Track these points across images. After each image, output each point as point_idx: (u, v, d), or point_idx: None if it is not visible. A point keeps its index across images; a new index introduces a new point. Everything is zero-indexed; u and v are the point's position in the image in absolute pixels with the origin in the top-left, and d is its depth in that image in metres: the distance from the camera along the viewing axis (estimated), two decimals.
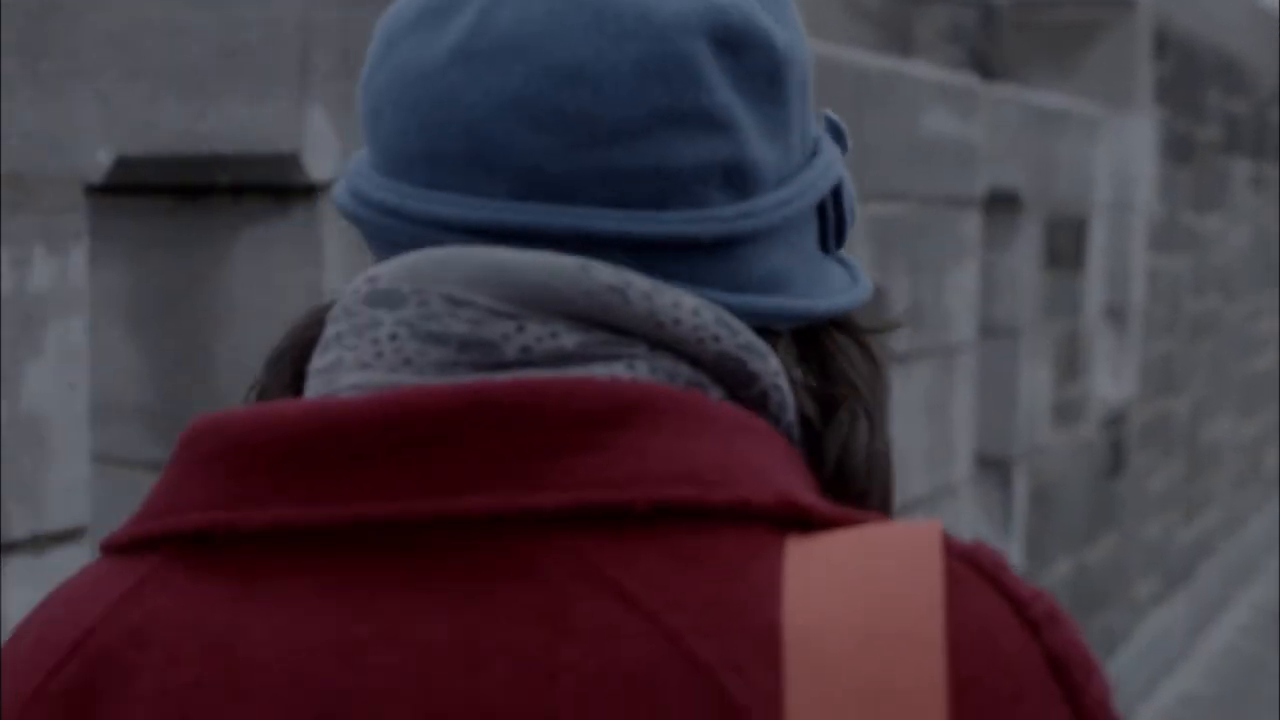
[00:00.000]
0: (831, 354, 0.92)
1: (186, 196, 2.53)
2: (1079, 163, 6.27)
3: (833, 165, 0.94)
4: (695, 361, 0.86)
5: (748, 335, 0.87)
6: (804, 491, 0.84)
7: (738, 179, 0.87)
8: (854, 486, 0.89)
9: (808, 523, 0.82)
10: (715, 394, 0.87)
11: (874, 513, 0.87)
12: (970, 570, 0.82)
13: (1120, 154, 6.80)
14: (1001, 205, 5.43)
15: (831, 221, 0.95)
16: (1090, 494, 6.67)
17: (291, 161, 2.46)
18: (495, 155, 0.85)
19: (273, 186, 2.49)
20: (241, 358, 2.50)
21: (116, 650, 0.83)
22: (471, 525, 0.80)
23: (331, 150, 2.45)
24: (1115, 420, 6.98)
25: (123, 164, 2.17)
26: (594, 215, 0.85)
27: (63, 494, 2.06)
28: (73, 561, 2.07)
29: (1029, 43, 7.14)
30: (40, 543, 2.07)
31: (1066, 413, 6.27)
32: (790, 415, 0.89)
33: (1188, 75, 8.01)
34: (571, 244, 0.85)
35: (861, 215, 3.84)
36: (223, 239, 2.52)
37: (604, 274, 0.84)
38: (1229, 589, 9.24)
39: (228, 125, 2.42)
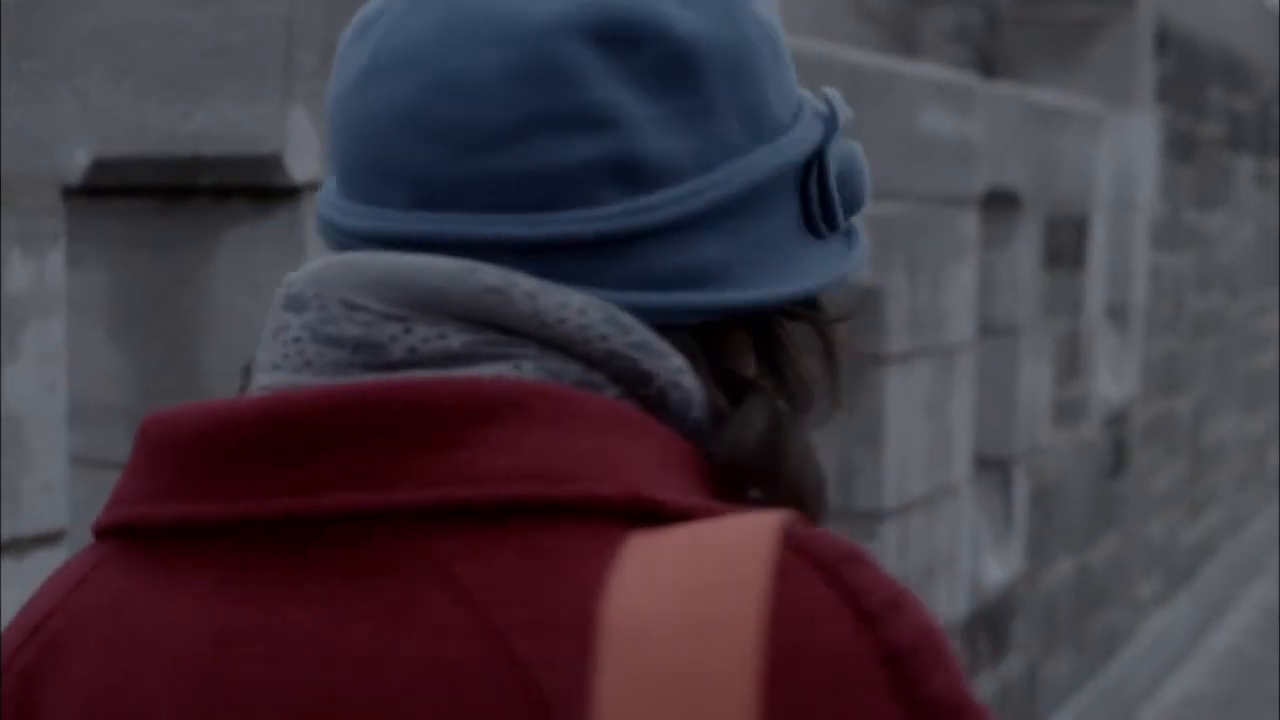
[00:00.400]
0: (779, 344, 0.92)
1: (170, 198, 2.51)
2: (1080, 161, 6.25)
3: (797, 144, 0.93)
4: (588, 361, 0.87)
5: (642, 333, 0.87)
6: (666, 486, 0.84)
7: (628, 175, 0.87)
8: (752, 479, 0.88)
9: (660, 516, 0.83)
10: (611, 393, 0.87)
11: (750, 505, 0.86)
12: (803, 561, 0.81)
13: (1122, 152, 6.78)
14: (1001, 204, 5.41)
15: (815, 200, 0.94)
16: (1092, 494, 6.64)
17: (274, 163, 2.44)
18: (394, 168, 0.88)
19: (256, 188, 2.47)
20: (225, 359, 2.48)
21: (61, 634, 0.90)
22: (343, 522, 0.83)
23: (313, 151, 2.44)
24: (1117, 419, 6.96)
25: (101, 165, 2.15)
26: (480, 221, 0.87)
27: (41, 496, 2.05)
28: (52, 564, 2.05)
29: (1030, 40, 7.12)
30: (20, 545, 2.05)
31: (1068, 412, 6.25)
32: (696, 412, 0.89)
33: (1190, 73, 7.99)
34: (464, 250, 0.87)
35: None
36: (206, 240, 2.50)
37: (489, 276, 0.86)
38: (1232, 588, 9.22)
39: (212, 126, 2.40)
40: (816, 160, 0.95)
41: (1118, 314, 6.90)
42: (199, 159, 2.43)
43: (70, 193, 2.15)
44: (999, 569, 5.50)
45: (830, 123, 0.97)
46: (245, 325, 2.40)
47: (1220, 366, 9.05)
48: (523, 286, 0.86)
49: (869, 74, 4.39)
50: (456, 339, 0.86)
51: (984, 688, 5.42)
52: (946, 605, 5.00)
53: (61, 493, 2.07)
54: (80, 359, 2.45)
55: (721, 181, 0.90)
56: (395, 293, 0.86)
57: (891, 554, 4.55)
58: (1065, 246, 6.14)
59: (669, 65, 0.89)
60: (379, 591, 0.83)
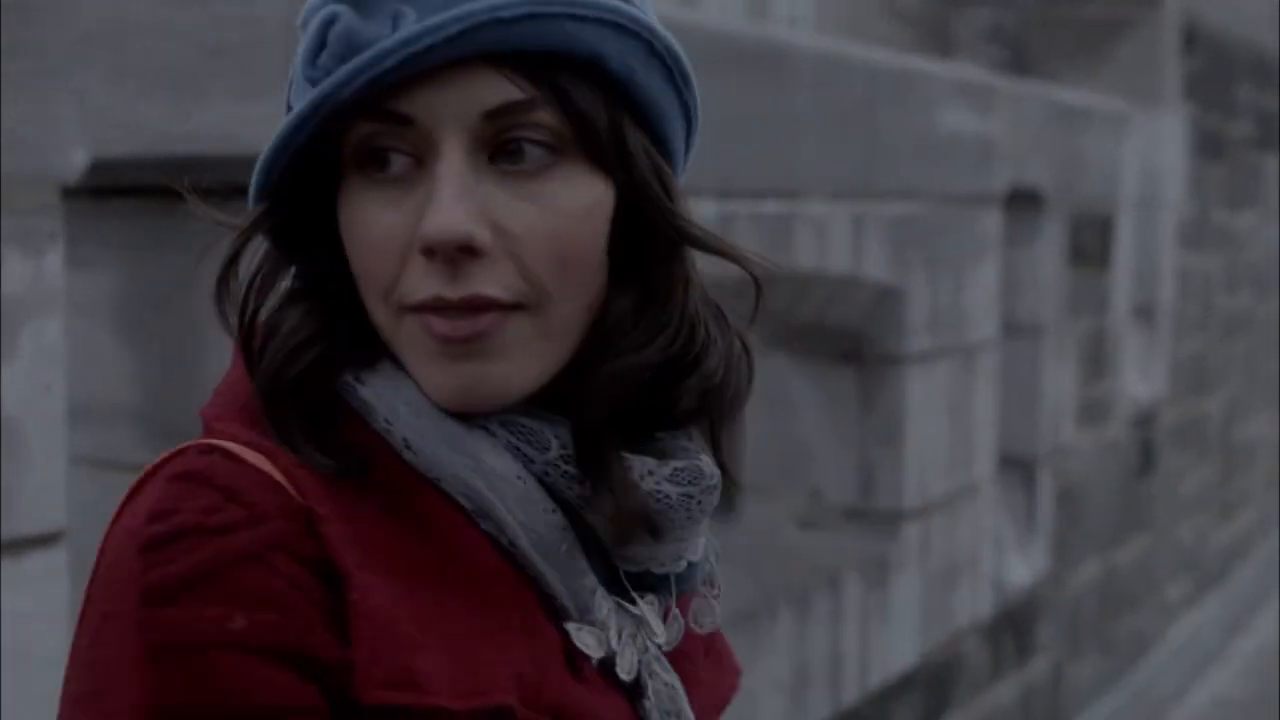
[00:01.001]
0: None
1: (171, 197, 2.50)
2: (1105, 160, 6.21)
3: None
4: None
5: None
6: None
7: None
8: None
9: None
10: None
11: None
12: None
13: (1148, 150, 6.74)
14: (1023, 202, 5.38)
15: None
16: (1119, 495, 6.61)
17: None
18: None
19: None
20: (229, 359, 2.47)
21: None
22: None
23: None
24: (1145, 420, 6.92)
25: (101, 166, 2.15)
26: None
27: (39, 497, 2.04)
28: (50, 566, 2.05)
29: (1057, 39, 7.09)
30: (19, 546, 2.05)
31: (1093, 412, 6.21)
32: None
33: (1218, 71, 7.94)
34: None
35: (876, 213, 3.81)
36: (208, 240, 2.50)
37: None
38: (1262, 591, 9.15)
39: (210, 126, 2.40)
40: None
41: (1145, 314, 6.86)
42: (199, 159, 2.42)
43: (72, 193, 2.14)
44: (1023, 570, 5.47)
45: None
46: None
47: (1250, 367, 8.99)
48: None
49: (887, 73, 4.37)
50: None
51: (1008, 690, 5.39)
52: (970, 605, 4.97)
53: (60, 493, 2.06)
54: (85, 360, 2.45)
55: None
56: None
57: (913, 554, 4.53)
58: (1091, 246, 6.10)
59: None
60: None
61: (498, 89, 1.06)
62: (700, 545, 1.18)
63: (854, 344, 4.42)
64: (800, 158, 3.85)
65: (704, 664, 1.22)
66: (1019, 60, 7.48)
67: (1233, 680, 7.85)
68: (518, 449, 1.10)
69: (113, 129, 2.20)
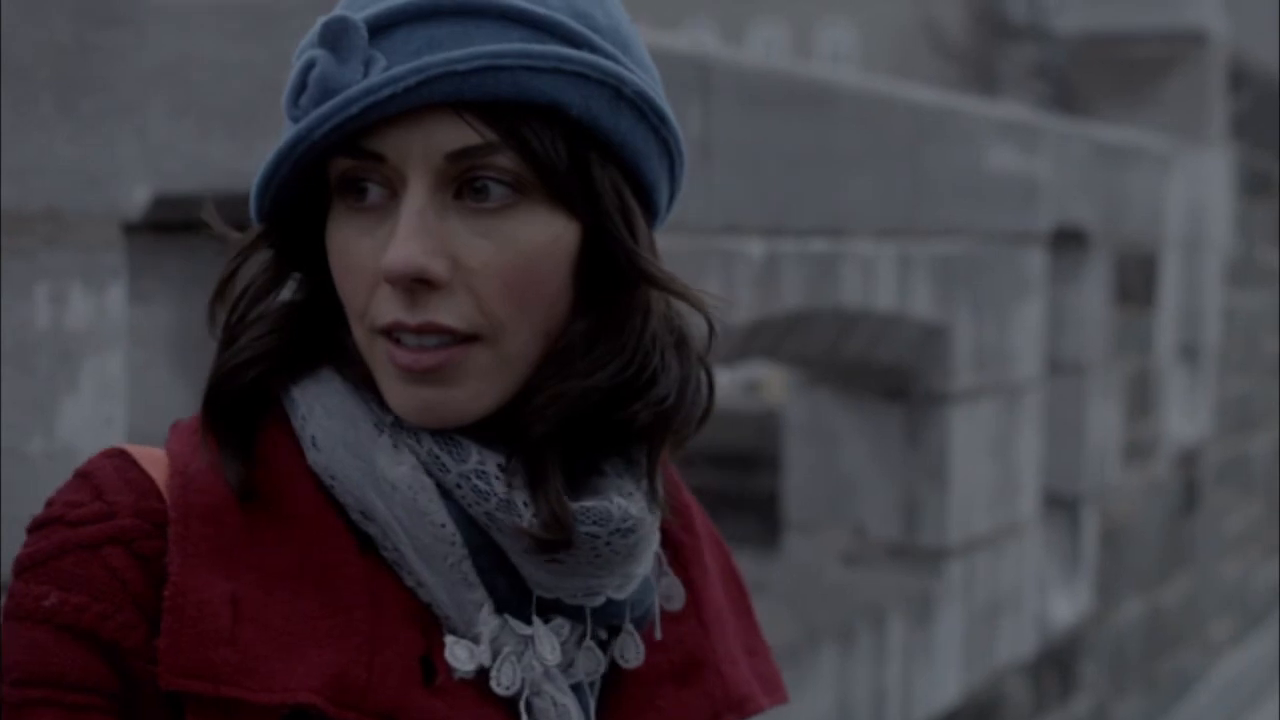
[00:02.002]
0: None
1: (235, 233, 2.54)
2: (1150, 198, 6.22)
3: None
4: None
5: None
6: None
7: None
8: None
9: None
10: None
11: None
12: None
13: (1194, 189, 6.74)
14: (1069, 241, 5.39)
15: None
16: (1163, 534, 6.59)
17: None
18: None
19: None
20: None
21: None
22: None
23: None
24: (1188, 459, 6.90)
25: (163, 201, 2.19)
26: None
27: None
28: None
29: (1102, 78, 7.10)
30: None
31: (1137, 451, 6.21)
32: None
33: (1265, 110, 7.93)
34: None
35: (922, 252, 3.83)
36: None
37: None
38: None
39: None
40: None
41: (1190, 353, 6.86)
42: None
43: (132, 229, 2.18)
44: (1067, 608, 5.46)
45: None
46: None
47: None
48: None
49: (932, 112, 4.40)
50: None
51: None
52: (1013, 643, 4.97)
53: None
54: (143, 393, 2.49)
55: None
56: None
57: (957, 591, 4.53)
58: (1135, 284, 6.11)
59: None
60: None
61: (459, 133, 1.14)
62: (631, 585, 1.22)
63: (899, 382, 4.44)
64: (846, 196, 3.88)
65: (669, 692, 1.26)
66: (1063, 97, 7.49)
67: None
68: (437, 457, 1.18)
69: (175, 165, 2.24)
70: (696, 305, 1.22)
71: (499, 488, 1.17)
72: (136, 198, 2.11)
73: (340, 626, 1.15)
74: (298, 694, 1.13)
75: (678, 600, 1.29)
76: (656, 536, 1.24)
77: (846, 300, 3.88)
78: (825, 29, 38.22)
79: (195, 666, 1.13)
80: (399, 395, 1.17)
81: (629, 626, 1.24)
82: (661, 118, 1.20)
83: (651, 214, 1.22)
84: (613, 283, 1.19)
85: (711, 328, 1.25)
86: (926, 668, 4.37)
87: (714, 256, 3.24)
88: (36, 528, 1.18)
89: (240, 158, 2.52)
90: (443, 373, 1.15)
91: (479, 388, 1.17)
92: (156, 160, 2.18)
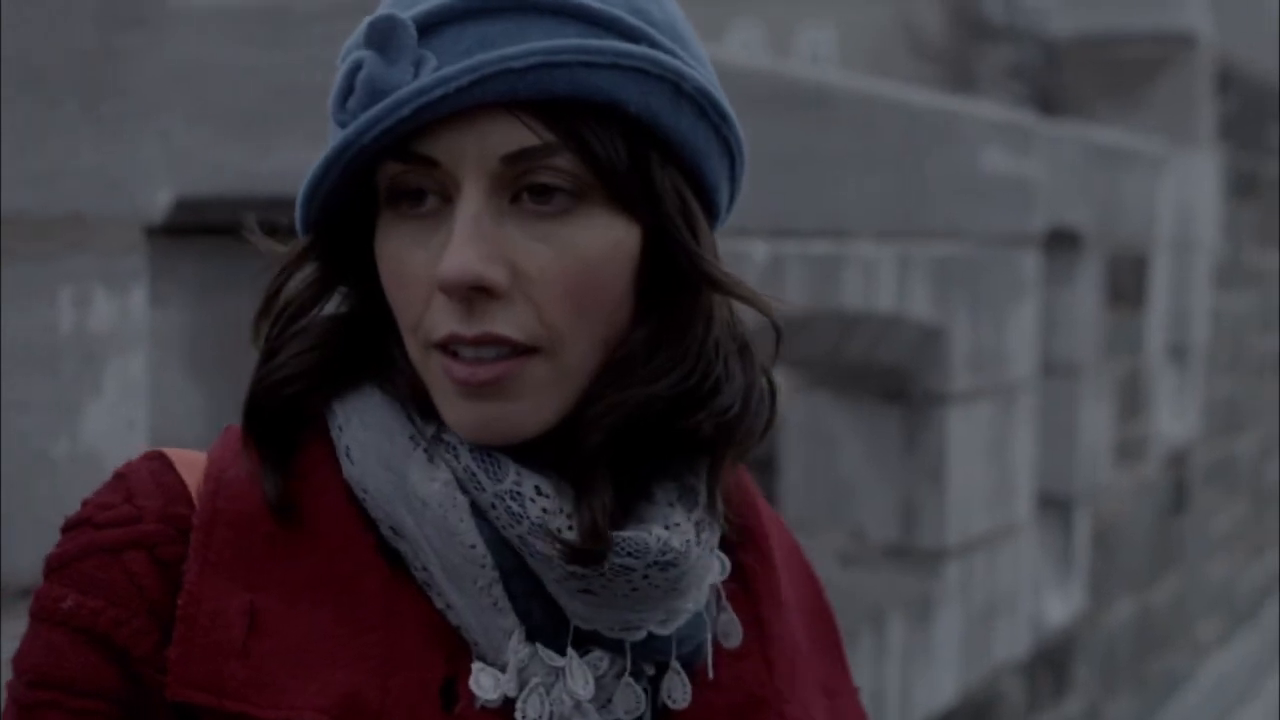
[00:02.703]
0: None
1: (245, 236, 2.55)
2: (1141, 200, 6.24)
3: None
4: None
5: None
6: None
7: None
8: None
9: None
10: None
11: None
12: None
13: (1183, 191, 6.77)
14: (1062, 242, 5.41)
15: None
16: (1153, 534, 6.62)
17: None
18: None
19: None
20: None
21: None
22: None
23: None
24: (1178, 460, 6.93)
25: (181, 205, 2.19)
26: None
27: None
28: None
29: (1091, 80, 7.13)
30: None
31: (1128, 452, 6.23)
32: None
33: (1251, 111, 7.97)
34: None
35: (920, 253, 3.85)
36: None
37: None
38: None
39: (289, 166, 2.44)
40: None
41: (1179, 354, 6.88)
42: (276, 199, 2.46)
43: (149, 232, 2.18)
44: (1060, 608, 5.48)
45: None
46: None
47: None
48: None
49: (928, 114, 4.41)
50: None
51: None
52: (1008, 643, 4.99)
53: None
54: (158, 396, 2.49)
55: None
56: None
57: (954, 592, 4.54)
58: (1127, 286, 6.13)
59: None
60: None
61: (515, 134, 1.09)
62: (677, 620, 1.16)
63: (898, 383, 4.45)
64: (846, 198, 3.89)
65: None
66: (1041, 97, 7.51)
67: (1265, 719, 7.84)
68: (473, 475, 1.12)
69: (194, 169, 2.25)
70: (764, 310, 1.17)
71: (533, 510, 1.11)
72: (159, 201, 2.11)
73: (359, 646, 1.12)
74: (304, 713, 1.10)
75: (735, 637, 1.21)
76: (712, 568, 1.18)
77: (848, 302, 3.89)
78: (804, 30, 38.24)
79: (203, 678, 1.10)
80: (456, 411, 1.12)
81: (675, 664, 1.16)
82: (723, 115, 1.15)
83: (712, 216, 1.17)
84: (674, 288, 1.13)
85: (779, 334, 1.20)
86: (925, 668, 4.38)
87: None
88: (67, 529, 1.16)
89: (255, 161, 2.53)
90: (501, 386, 1.10)
91: (538, 401, 1.11)
92: (175, 164, 2.18)
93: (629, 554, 1.11)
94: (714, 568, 1.19)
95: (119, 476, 1.18)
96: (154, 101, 2.12)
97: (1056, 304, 5.45)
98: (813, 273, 3.70)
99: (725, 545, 1.23)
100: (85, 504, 1.17)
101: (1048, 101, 7.38)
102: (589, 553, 1.10)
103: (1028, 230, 5.02)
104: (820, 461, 4.54)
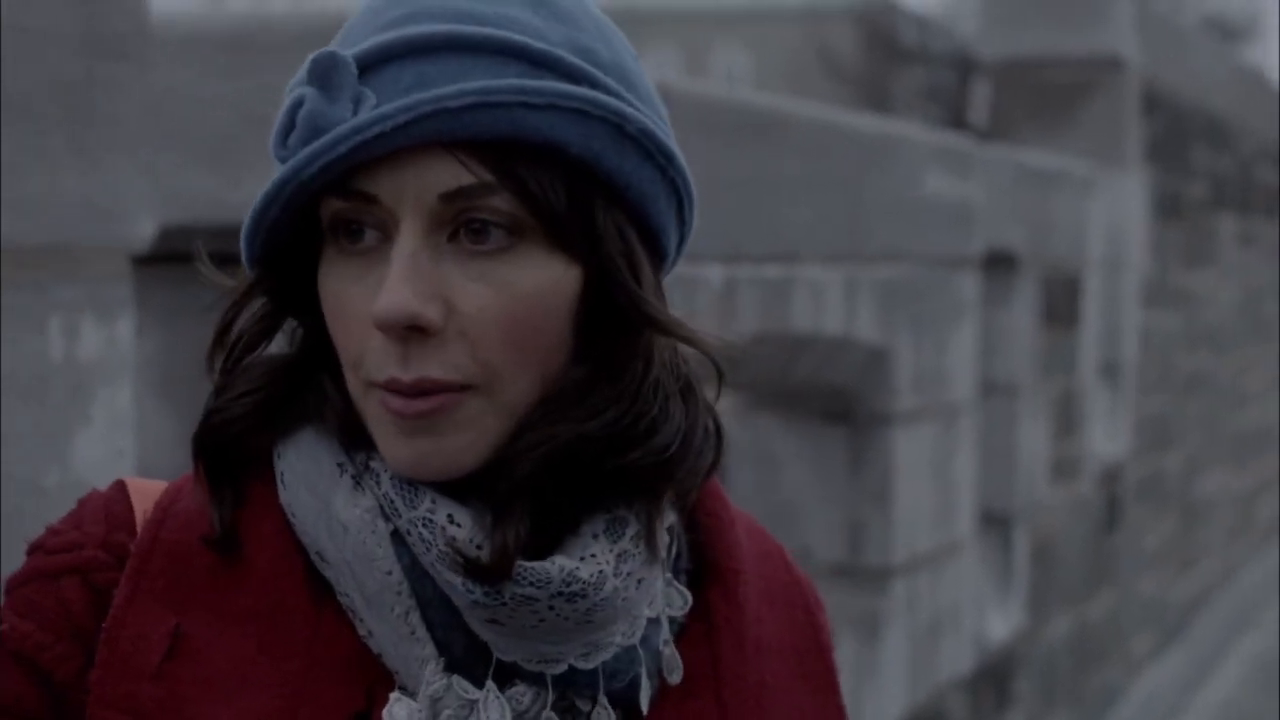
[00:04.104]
0: None
1: (219, 264, 2.56)
2: (1073, 221, 6.33)
3: None
4: None
5: None
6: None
7: None
8: None
9: None
10: None
11: None
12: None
13: (1112, 212, 6.87)
14: (999, 264, 5.48)
15: None
16: (1088, 550, 6.70)
17: None
18: None
19: None
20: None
21: None
22: None
23: None
24: (1111, 477, 7.02)
25: (167, 234, 2.21)
26: None
27: None
28: None
29: (1019, 103, 7.21)
30: None
31: (1063, 470, 6.31)
32: None
33: (1176, 134, 8.09)
34: None
35: (865, 276, 3.90)
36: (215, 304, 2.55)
37: None
38: (1225, 642, 9.26)
39: (258, 194, 2.45)
40: None
41: (1111, 372, 6.97)
42: None
43: (134, 260, 2.19)
44: (1001, 625, 5.54)
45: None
46: None
47: (1208, 424, 9.12)
48: None
49: (873, 139, 4.47)
50: None
51: None
52: (953, 660, 5.04)
53: None
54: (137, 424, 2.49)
55: None
56: None
57: (901, 610, 4.59)
58: (1060, 306, 6.21)
59: None
60: None
61: (453, 173, 1.09)
62: (601, 655, 1.15)
63: (843, 404, 4.50)
64: (796, 222, 3.93)
65: None
66: (956, 119, 7.59)
67: None
68: (391, 501, 1.13)
69: (167, 198, 2.26)
70: (704, 350, 1.17)
71: (441, 538, 1.11)
72: (144, 230, 2.12)
73: (278, 674, 1.13)
74: None
75: (676, 674, 1.19)
76: (643, 600, 1.16)
77: (797, 324, 3.94)
78: (719, 52, 38.42)
79: (118, 699, 1.13)
80: (394, 448, 1.12)
81: (603, 699, 1.15)
82: (668, 157, 1.15)
83: (660, 258, 1.17)
84: (615, 328, 1.14)
85: (720, 373, 1.20)
86: (874, 687, 4.42)
87: (677, 283, 3.28)
88: (28, 553, 1.20)
89: (224, 190, 2.54)
90: (436, 421, 1.11)
91: (473, 437, 1.12)
92: (155, 193, 2.20)
93: (531, 584, 1.11)
94: (658, 600, 1.18)
95: (80, 504, 1.22)
96: (137, 131, 2.14)
97: (994, 325, 5.52)
98: (764, 296, 3.74)
99: (694, 580, 1.22)
100: (46, 529, 1.21)
101: (959, 122, 7.47)
102: (489, 575, 1.10)
103: (967, 252, 5.09)
104: (766, 483, 4.58)
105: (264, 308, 1.20)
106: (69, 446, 1.99)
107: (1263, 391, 10.88)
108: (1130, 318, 7.19)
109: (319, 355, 1.18)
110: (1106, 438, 6.93)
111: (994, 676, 5.49)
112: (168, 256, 2.51)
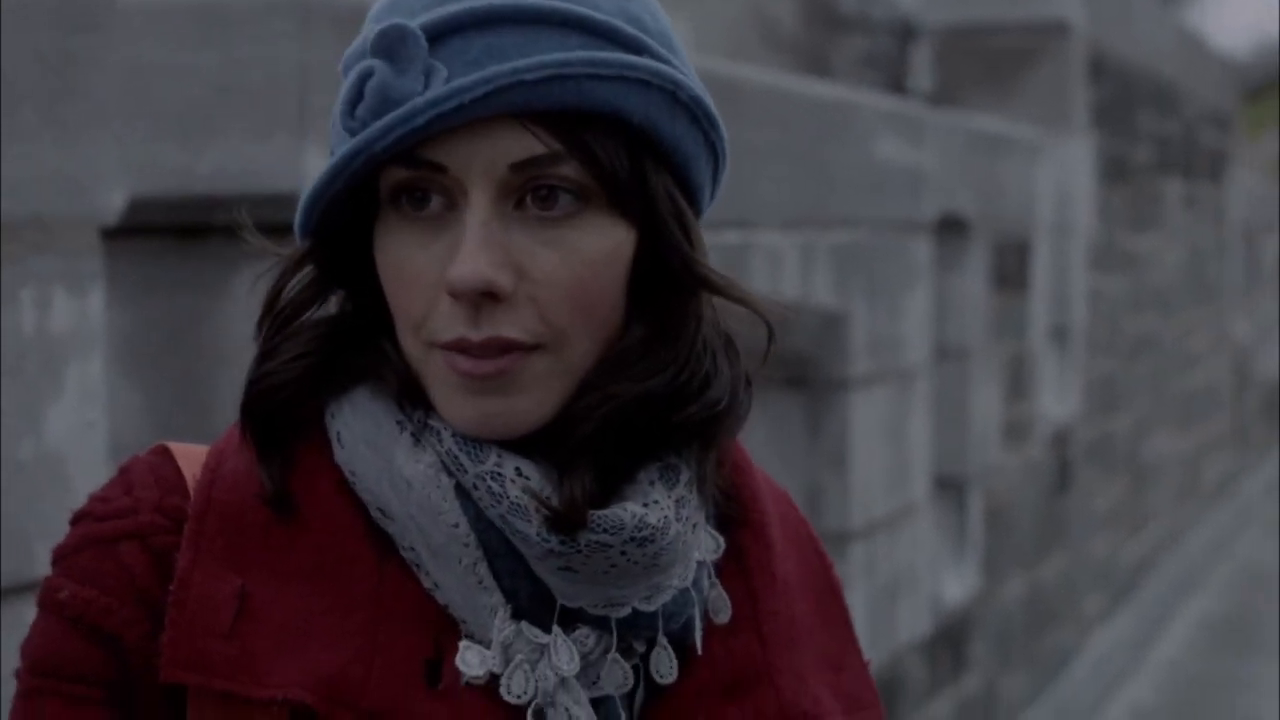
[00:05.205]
0: None
1: (185, 236, 2.56)
2: (1022, 186, 6.37)
3: None
4: None
5: None
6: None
7: None
8: None
9: None
10: None
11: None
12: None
13: (1060, 177, 6.91)
14: (951, 229, 5.52)
15: None
16: (1040, 513, 6.76)
17: (289, 201, 2.49)
18: None
19: (271, 225, 2.52)
20: (240, 395, 2.52)
21: None
22: None
23: None
24: (1061, 439, 7.08)
25: (135, 206, 2.20)
26: None
27: None
28: None
29: (966, 70, 7.25)
30: None
31: (1015, 433, 6.36)
32: None
33: (1122, 99, 8.14)
34: None
35: (822, 242, 3.94)
36: (221, 278, 2.56)
37: None
38: (1172, 604, 9.36)
39: (227, 165, 2.46)
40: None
41: (1060, 336, 7.02)
42: (214, 198, 2.48)
43: (105, 232, 2.19)
44: (957, 588, 5.59)
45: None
46: None
47: (1155, 386, 9.20)
48: None
49: (829, 106, 4.49)
50: None
51: (944, 706, 5.50)
52: (910, 623, 5.08)
53: None
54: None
55: None
56: None
57: (860, 574, 4.63)
58: (1010, 270, 6.26)
59: None
60: None
61: (524, 143, 1.13)
62: (662, 597, 1.19)
63: (801, 370, 4.52)
64: (754, 189, 3.95)
65: (714, 708, 1.21)
66: (895, 86, 7.62)
67: (1147, 692, 8.03)
68: (455, 457, 1.16)
69: (137, 170, 2.26)
70: (757, 310, 1.23)
71: (513, 490, 1.15)
72: (114, 203, 2.12)
73: (346, 627, 1.16)
74: (289, 690, 1.14)
75: (725, 613, 1.23)
76: (697, 544, 1.21)
77: (755, 291, 3.95)
78: None
79: (192, 659, 1.15)
80: (458, 407, 1.16)
81: (662, 640, 1.19)
82: (712, 121, 1.20)
83: (696, 215, 1.22)
84: (668, 288, 1.18)
85: (771, 333, 1.26)
86: None
87: None
88: (73, 522, 1.21)
89: (194, 161, 2.54)
90: (504, 380, 1.14)
91: (539, 396, 1.16)
92: (126, 165, 2.19)
93: (605, 530, 1.15)
94: (702, 544, 1.22)
95: (122, 470, 1.22)
96: (108, 104, 2.14)
97: (946, 289, 5.56)
98: (724, 262, 3.74)
99: (722, 524, 1.26)
100: (90, 498, 1.22)
101: (899, 89, 7.49)
102: (567, 522, 1.14)
103: (920, 218, 5.12)
104: None
105: (311, 276, 1.22)
106: (41, 419, 1.99)
107: (1207, 353, 10.97)
108: (1078, 281, 7.24)
109: (368, 319, 1.20)
110: (1056, 401, 6.99)
111: (950, 639, 5.54)
112: (133, 229, 2.51)
